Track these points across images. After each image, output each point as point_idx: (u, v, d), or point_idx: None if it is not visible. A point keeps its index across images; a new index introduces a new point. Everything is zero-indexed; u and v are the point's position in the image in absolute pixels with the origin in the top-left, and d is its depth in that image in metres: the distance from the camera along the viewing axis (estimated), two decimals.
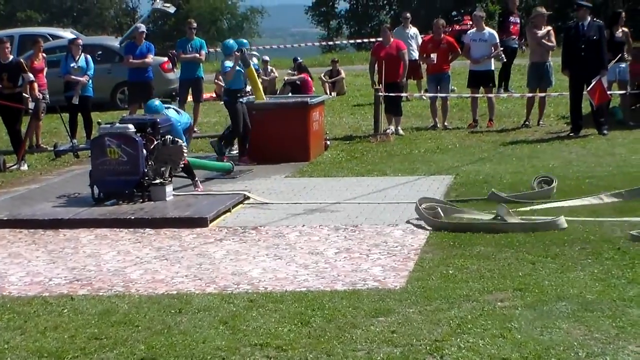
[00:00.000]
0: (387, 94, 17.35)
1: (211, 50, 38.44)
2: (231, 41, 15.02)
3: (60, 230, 10.57)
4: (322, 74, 25.11)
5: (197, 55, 18.79)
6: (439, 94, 18.31)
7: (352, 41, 50.45)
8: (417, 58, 20.71)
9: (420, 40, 21.76)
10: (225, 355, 6.28)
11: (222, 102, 15.93)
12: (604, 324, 6.50)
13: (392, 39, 18.06)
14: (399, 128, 17.69)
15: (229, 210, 11.17)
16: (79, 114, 17.72)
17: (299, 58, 25.22)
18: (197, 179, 12.39)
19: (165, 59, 23.45)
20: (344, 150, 15.96)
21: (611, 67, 16.66)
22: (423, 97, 21.05)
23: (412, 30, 22.30)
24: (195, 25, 19.73)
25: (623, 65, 17.75)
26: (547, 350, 6.04)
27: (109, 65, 23.21)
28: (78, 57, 17.82)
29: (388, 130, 17.28)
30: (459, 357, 6.02)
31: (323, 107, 16.45)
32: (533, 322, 6.59)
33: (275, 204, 11.55)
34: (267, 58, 24.81)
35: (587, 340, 6.21)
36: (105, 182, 11.69)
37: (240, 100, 14.65)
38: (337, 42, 49.35)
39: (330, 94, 22.85)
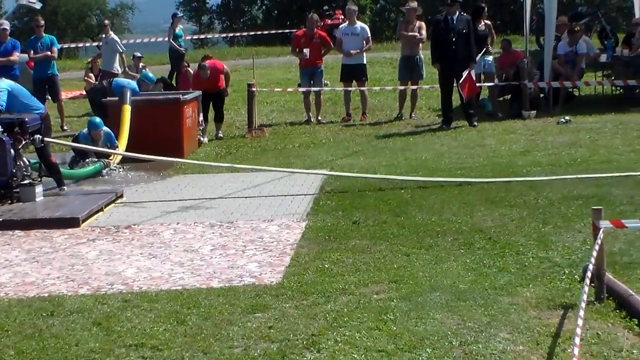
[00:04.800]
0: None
1: (80, 45, 37.81)
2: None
3: None
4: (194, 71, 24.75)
5: (49, 53, 18.37)
6: (312, 89, 18.38)
7: (224, 35, 50.22)
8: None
9: None
10: (99, 357, 6.15)
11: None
12: (476, 313, 6.62)
13: None
14: (220, 133, 17.28)
15: (101, 210, 10.95)
16: None
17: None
18: (64, 185, 11.99)
19: None
20: (218, 146, 15.86)
21: (477, 60, 17.00)
22: None
23: None
24: (42, 22, 19.09)
25: (489, 58, 18.17)
26: (421, 341, 6.11)
27: None
28: None
29: (204, 138, 16.79)
30: (336, 351, 6.03)
31: (196, 104, 16.30)
32: (408, 314, 6.66)
33: (149, 202, 11.42)
34: (139, 54, 24.22)
35: (461, 330, 6.31)
36: None
37: None
38: (209, 37, 48.96)
39: None
